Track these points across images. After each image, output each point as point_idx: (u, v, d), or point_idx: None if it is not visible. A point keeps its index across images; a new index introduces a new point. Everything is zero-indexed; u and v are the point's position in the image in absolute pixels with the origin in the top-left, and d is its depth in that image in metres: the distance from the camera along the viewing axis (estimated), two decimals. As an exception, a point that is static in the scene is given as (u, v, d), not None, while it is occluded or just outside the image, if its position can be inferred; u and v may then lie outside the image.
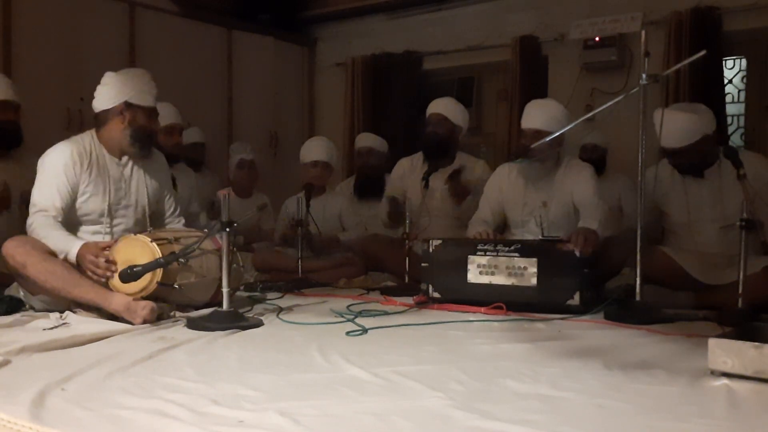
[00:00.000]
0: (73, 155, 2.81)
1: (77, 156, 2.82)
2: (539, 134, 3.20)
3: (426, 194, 3.78)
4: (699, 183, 3.15)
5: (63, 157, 2.80)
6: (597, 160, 4.47)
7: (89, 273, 2.63)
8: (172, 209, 3.18)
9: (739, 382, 1.75)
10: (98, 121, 2.92)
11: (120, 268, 2.59)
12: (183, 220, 3.23)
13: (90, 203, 2.85)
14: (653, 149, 3.12)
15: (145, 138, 2.92)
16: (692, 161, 3.10)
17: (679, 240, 3.23)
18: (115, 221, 2.90)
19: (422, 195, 3.78)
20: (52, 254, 2.64)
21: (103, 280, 2.63)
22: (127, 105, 2.86)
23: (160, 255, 2.59)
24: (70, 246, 2.67)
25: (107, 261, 2.62)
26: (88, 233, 2.85)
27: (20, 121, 3.53)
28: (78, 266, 2.66)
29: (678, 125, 2.97)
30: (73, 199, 2.82)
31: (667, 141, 3.02)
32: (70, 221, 2.83)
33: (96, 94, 2.91)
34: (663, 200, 3.24)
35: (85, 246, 2.67)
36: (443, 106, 3.91)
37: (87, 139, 2.91)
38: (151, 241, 2.65)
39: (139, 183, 2.99)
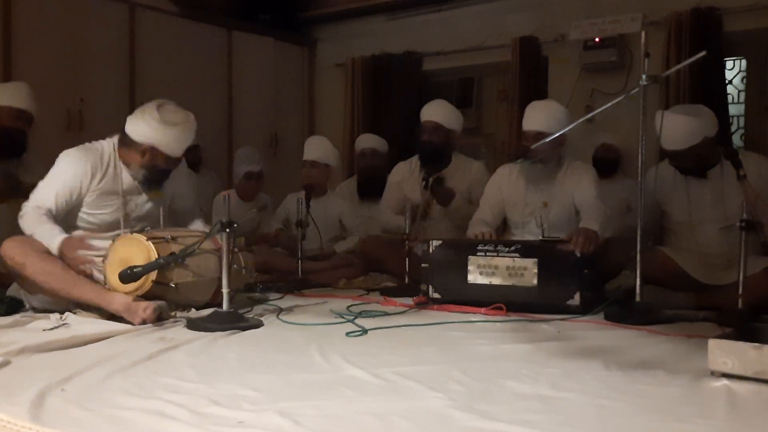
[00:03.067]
0: (86, 165, 2.80)
1: (90, 167, 2.80)
2: (541, 136, 3.19)
3: (426, 196, 3.78)
4: (701, 183, 3.15)
5: (74, 165, 2.79)
6: (611, 160, 4.47)
7: (70, 263, 2.63)
8: (187, 209, 3.19)
9: (739, 383, 1.75)
10: (123, 137, 2.87)
11: (116, 266, 2.59)
12: (202, 218, 3.25)
13: (102, 215, 2.85)
14: (654, 150, 3.12)
15: (158, 178, 2.91)
16: (693, 163, 3.10)
17: (679, 240, 3.22)
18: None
19: (422, 197, 3.78)
20: (51, 254, 2.64)
21: (89, 271, 2.63)
22: (153, 149, 2.81)
23: (156, 254, 2.59)
24: (52, 240, 2.65)
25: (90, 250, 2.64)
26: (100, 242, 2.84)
27: (29, 132, 3.52)
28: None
29: (679, 127, 2.96)
30: (72, 207, 2.81)
31: (667, 143, 3.03)
32: (69, 227, 2.82)
33: (133, 117, 2.84)
34: (665, 200, 3.24)
35: (68, 240, 2.66)
36: (436, 113, 3.90)
37: (107, 148, 2.89)
38: (147, 240, 2.64)
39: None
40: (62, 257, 2.65)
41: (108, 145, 2.91)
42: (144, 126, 2.80)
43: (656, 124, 2.91)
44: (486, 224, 3.45)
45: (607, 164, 4.45)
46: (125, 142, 2.86)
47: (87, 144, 2.89)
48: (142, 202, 2.96)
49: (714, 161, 3.12)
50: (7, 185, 3.37)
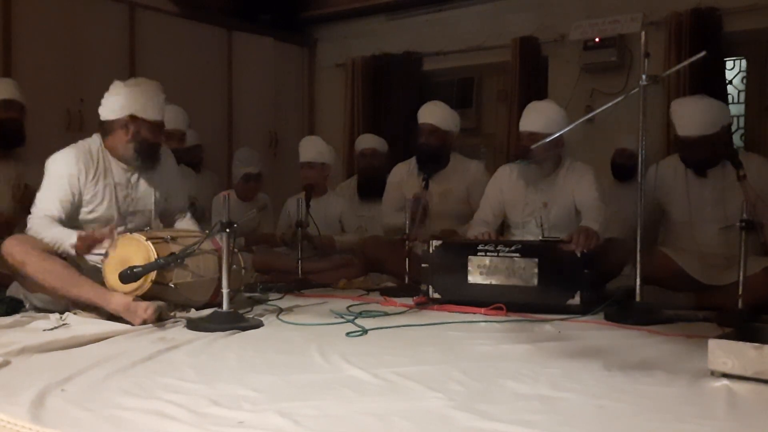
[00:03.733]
0: (78, 164, 2.80)
1: (82, 164, 2.81)
2: (536, 137, 3.20)
3: (425, 196, 3.78)
4: (701, 183, 3.15)
5: (67, 166, 2.79)
6: (629, 166, 4.44)
7: (88, 249, 2.65)
8: (179, 207, 3.20)
9: (739, 383, 1.75)
10: (103, 129, 2.89)
11: (115, 266, 2.59)
12: (188, 215, 3.25)
13: (97, 211, 2.86)
14: (654, 150, 3.12)
15: (148, 151, 2.91)
16: (706, 155, 3.08)
17: (679, 240, 3.22)
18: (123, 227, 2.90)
19: (422, 197, 3.78)
20: (52, 253, 2.64)
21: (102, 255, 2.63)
22: (132, 118, 2.83)
23: (155, 254, 2.59)
24: (66, 236, 2.66)
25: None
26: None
27: (24, 122, 3.58)
28: (77, 266, 2.66)
29: (700, 112, 2.98)
30: (75, 208, 2.82)
31: (688, 129, 3.02)
32: (75, 227, 2.81)
33: (103, 102, 2.88)
34: (665, 199, 3.24)
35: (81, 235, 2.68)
36: (432, 115, 3.89)
37: (94, 144, 2.90)
38: (147, 240, 2.64)
39: (147, 188, 2.98)
40: (79, 250, 2.66)
41: (94, 141, 2.92)
42: (114, 99, 2.85)
43: (673, 113, 2.89)
44: (486, 224, 3.46)
45: (625, 170, 4.44)
46: (107, 129, 2.88)
47: (73, 144, 2.89)
48: (135, 197, 2.96)
49: (718, 160, 3.12)
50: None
